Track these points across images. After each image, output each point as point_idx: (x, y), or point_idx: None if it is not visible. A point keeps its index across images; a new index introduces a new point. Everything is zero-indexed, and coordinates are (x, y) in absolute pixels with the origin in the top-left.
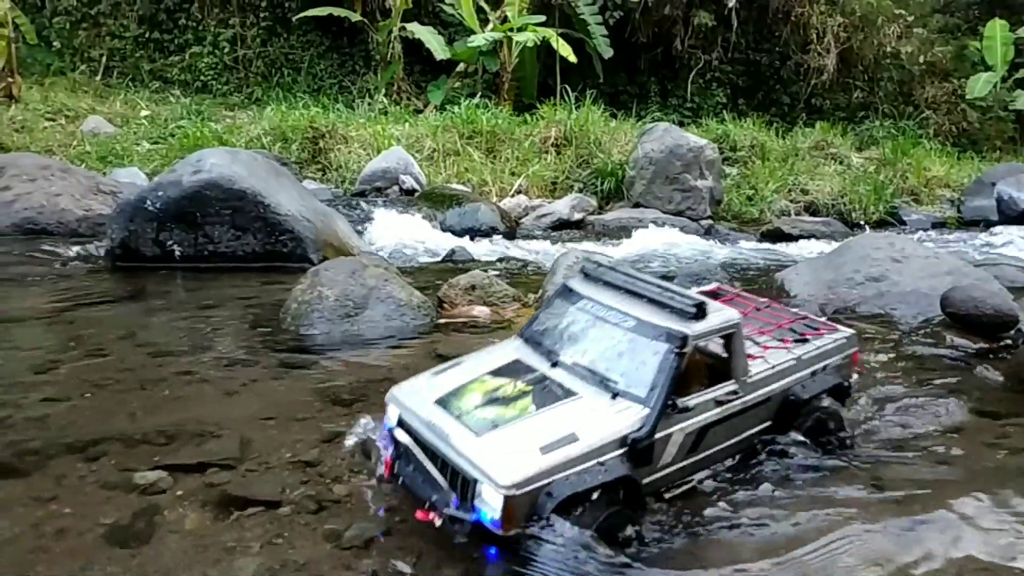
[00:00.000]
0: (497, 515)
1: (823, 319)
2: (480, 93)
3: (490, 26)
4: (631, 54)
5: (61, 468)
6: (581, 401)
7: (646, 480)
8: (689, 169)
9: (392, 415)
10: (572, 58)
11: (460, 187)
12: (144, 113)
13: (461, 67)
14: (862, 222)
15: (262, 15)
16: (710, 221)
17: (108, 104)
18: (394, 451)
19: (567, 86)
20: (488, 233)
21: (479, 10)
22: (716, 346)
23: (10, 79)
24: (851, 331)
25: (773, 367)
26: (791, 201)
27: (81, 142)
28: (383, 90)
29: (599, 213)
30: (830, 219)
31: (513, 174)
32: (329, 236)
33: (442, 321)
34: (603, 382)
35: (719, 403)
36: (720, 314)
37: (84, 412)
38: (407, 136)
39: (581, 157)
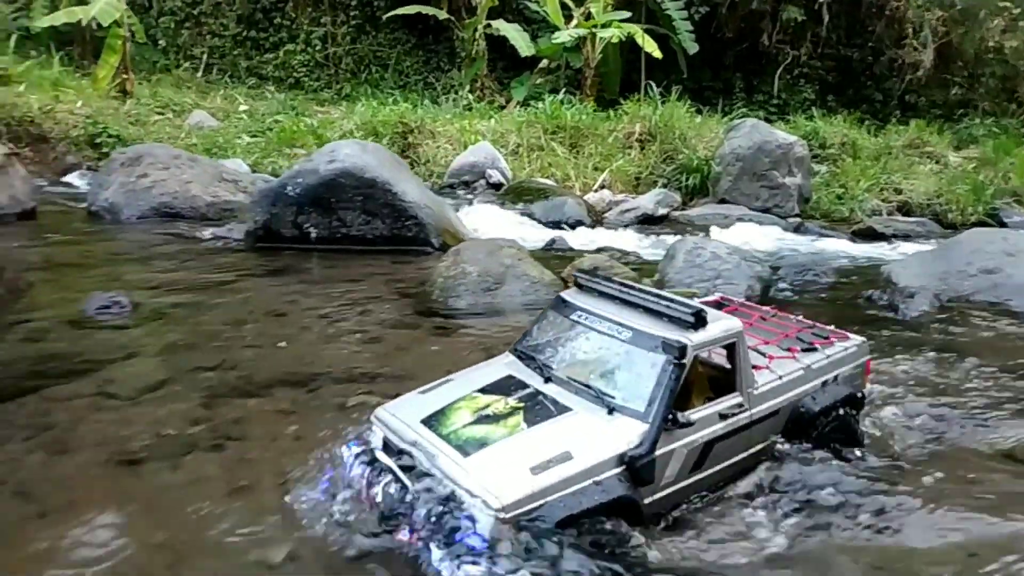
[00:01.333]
0: (487, 535)
1: (831, 327)
2: (563, 89)
3: (574, 22)
4: (716, 49)
5: (289, 395)
6: (575, 417)
7: (648, 500)
8: (777, 166)
9: (377, 437)
10: (657, 54)
11: (546, 181)
12: (242, 108)
13: (544, 63)
14: (959, 223)
15: (352, 13)
16: (798, 219)
17: (209, 99)
18: (369, 474)
19: (651, 82)
20: (574, 226)
21: (563, 6)
22: (718, 357)
23: (124, 76)
24: (862, 339)
25: (780, 378)
26: (883, 200)
27: (188, 135)
28: (467, 86)
29: (683, 209)
30: (925, 219)
31: (596, 169)
32: (444, 223)
33: None
34: (599, 397)
35: (724, 417)
36: (721, 323)
37: (285, 357)
38: (492, 131)
39: (665, 153)
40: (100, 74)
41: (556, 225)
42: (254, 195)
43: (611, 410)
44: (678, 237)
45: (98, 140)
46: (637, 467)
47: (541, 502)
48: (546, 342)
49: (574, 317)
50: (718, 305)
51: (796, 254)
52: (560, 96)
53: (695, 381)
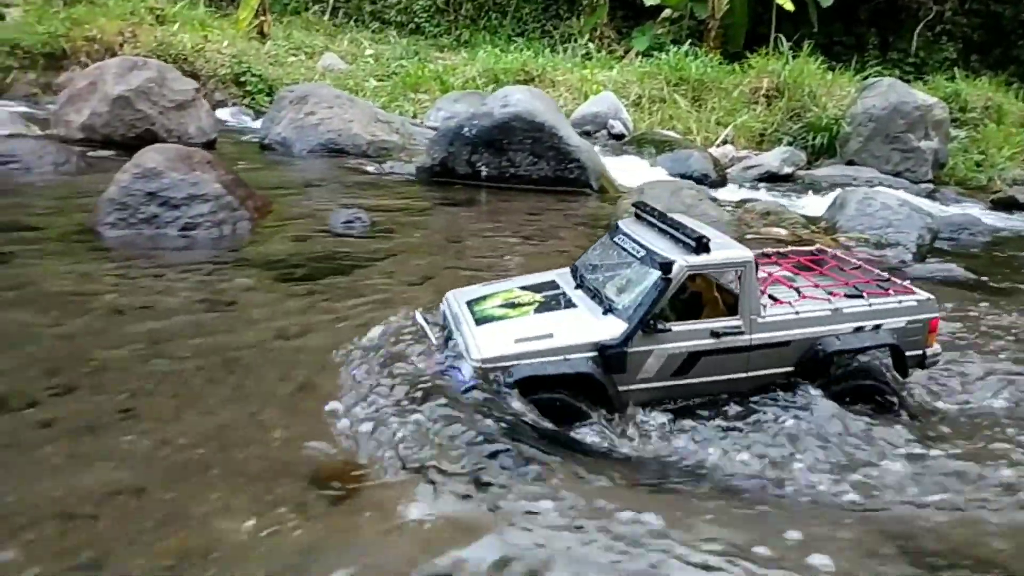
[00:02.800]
0: (467, 378)
1: (904, 282)
2: (686, 40)
3: None
4: (850, 2)
5: None
6: (575, 311)
7: (623, 388)
8: (913, 129)
9: (443, 308)
10: (789, 6)
11: (669, 133)
12: (368, 52)
13: (667, 13)
14: None
15: None
16: (931, 185)
17: (337, 42)
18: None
19: (781, 35)
20: (700, 179)
21: None
22: (727, 282)
23: (263, 17)
24: (928, 296)
25: (797, 313)
26: None
27: (322, 76)
28: (587, 35)
29: (808, 168)
30: None
31: (719, 124)
32: (600, 167)
33: (748, 237)
34: (602, 300)
35: (716, 335)
36: (726, 251)
37: (509, 269)
38: (613, 82)
39: (792, 110)
40: (241, 15)
41: (682, 177)
42: (436, 133)
43: (607, 311)
44: (809, 195)
45: (242, 79)
46: (607, 355)
47: (514, 363)
48: (592, 257)
49: (616, 239)
50: (810, 255)
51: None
52: (684, 48)
53: (708, 301)
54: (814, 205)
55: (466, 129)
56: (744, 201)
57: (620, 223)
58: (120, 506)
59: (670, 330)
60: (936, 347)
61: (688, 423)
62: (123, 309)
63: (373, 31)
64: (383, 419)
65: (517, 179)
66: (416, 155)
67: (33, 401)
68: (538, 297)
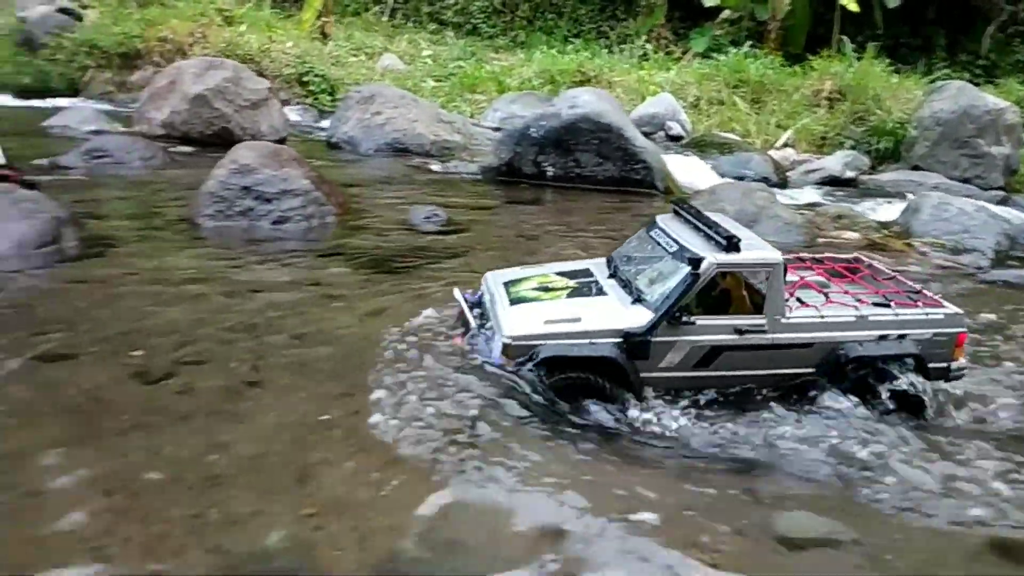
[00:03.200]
0: (498, 354)
1: (936, 296)
2: (745, 42)
3: None
4: (918, 3)
5: None
6: (605, 299)
7: (645, 374)
8: (983, 134)
9: (481, 288)
10: (854, 6)
11: (728, 136)
12: (426, 53)
13: (726, 14)
14: None
15: None
16: (1002, 192)
17: (395, 43)
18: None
19: (844, 37)
20: (760, 182)
21: None
22: (755, 282)
23: (325, 19)
24: (957, 310)
25: (822, 317)
26: None
27: (381, 76)
28: (644, 36)
29: (871, 173)
30: None
31: (779, 126)
32: (664, 169)
33: (820, 240)
34: (634, 291)
35: (739, 331)
36: (756, 252)
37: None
38: (670, 83)
39: (856, 113)
40: (305, 16)
41: (742, 180)
42: (500, 135)
43: (635, 300)
44: (875, 200)
45: (305, 79)
46: (633, 343)
47: (541, 342)
48: (628, 250)
49: (652, 234)
50: (847, 263)
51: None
52: (746, 49)
53: (736, 299)
54: (882, 210)
55: (533, 130)
56: (811, 205)
57: (657, 218)
58: (256, 466)
59: (694, 323)
60: (962, 360)
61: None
62: (232, 292)
63: (431, 32)
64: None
65: (582, 179)
66: (477, 155)
67: (169, 373)
68: (571, 283)
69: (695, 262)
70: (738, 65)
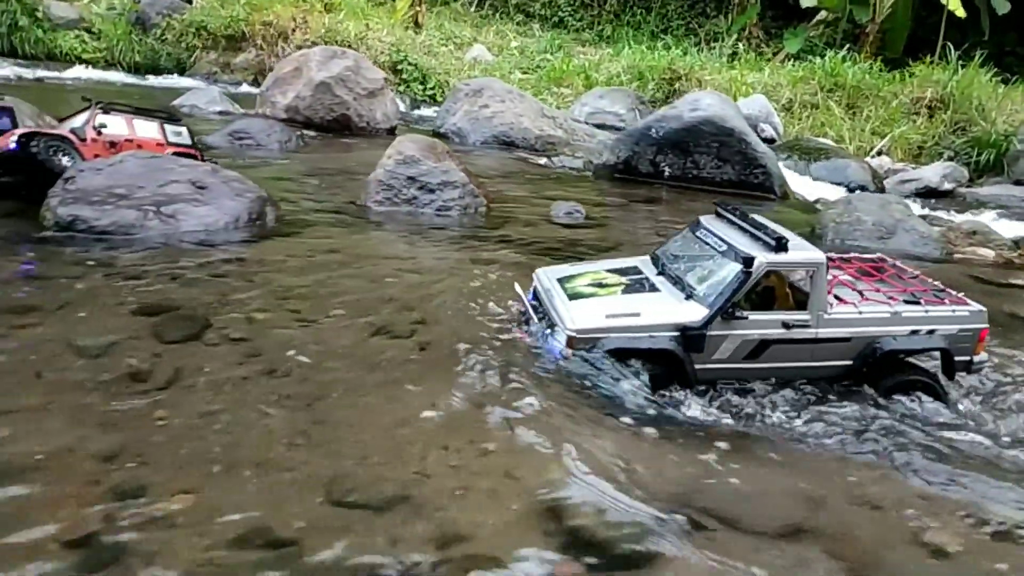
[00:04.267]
0: (561, 347)
1: (959, 294)
2: (844, 45)
3: None
4: None
5: None
6: (659, 295)
7: (700, 366)
8: None
9: (534, 284)
10: (960, 12)
11: (824, 141)
12: (513, 44)
13: (823, 15)
14: None
15: None
16: None
17: (483, 34)
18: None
19: (948, 43)
20: (856, 190)
21: None
22: (800, 280)
23: (417, 8)
24: (980, 308)
25: (860, 313)
26: None
27: (471, 67)
28: (735, 35)
29: (970, 186)
30: None
31: (875, 133)
32: (781, 174)
33: (957, 256)
34: (685, 288)
35: (786, 325)
36: (803, 252)
37: None
38: (763, 84)
39: (957, 123)
40: (399, 5)
41: (837, 187)
42: (619, 135)
43: (688, 296)
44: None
45: (399, 67)
46: (689, 336)
47: (604, 336)
48: (673, 248)
49: (698, 233)
50: (872, 262)
51: None
52: (843, 52)
53: (780, 296)
54: (1005, 225)
55: (653, 130)
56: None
57: (702, 219)
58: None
59: (746, 318)
60: (983, 355)
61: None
62: (419, 270)
63: (517, 23)
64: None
65: (699, 180)
66: (578, 150)
67: (409, 332)
68: (624, 280)
69: (748, 260)
70: (834, 68)
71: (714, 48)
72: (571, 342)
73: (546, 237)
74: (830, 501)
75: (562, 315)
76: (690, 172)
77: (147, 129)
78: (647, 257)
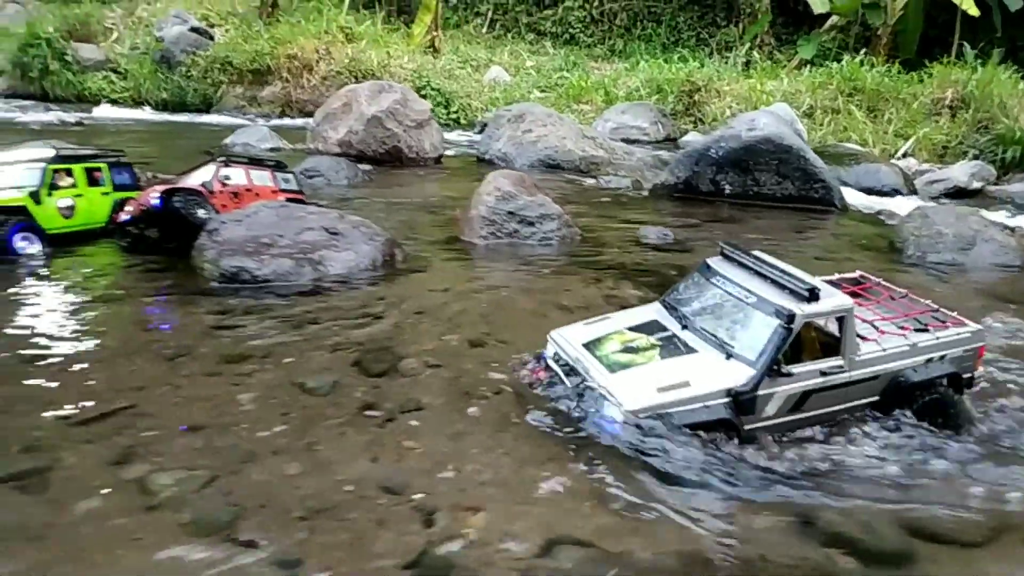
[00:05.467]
0: (616, 422)
1: (954, 314)
2: (860, 49)
3: None
4: None
5: None
6: (699, 357)
7: (748, 427)
8: None
9: (550, 349)
10: (974, 11)
11: (851, 146)
12: (529, 63)
13: (835, 20)
14: None
15: None
16: None
17: (497, 54)
18: (545, 374)
19: (964, 42)
20: (890, 194)
21: None
22: (829, 326)
23: (435, 33)
24: (979, 327)
25: (884, 350)
26: None
27: (491, 88)
28: (747, 44)
29: (997, 184)
30: None
31: (898, 135)
32: (840, 187)
33: None
34: (721, 344)
35: (824, 374)
36: (833, 299)
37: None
38: (781, 92)
39: (980, 122)
40: (415, 31)
41: (870, 192)
42: (678, 155)
43: (728, 356)
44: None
45: (422, 92)
46: (741, 400)
47: (661, 412)
48: (688, 297)
49: (714, 280)
50: (856, 282)
51: None
52: (860, 56)
53: (807, 342)
54: None
55: (712, 150)
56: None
57: (711, 263)
58: None
59: (791, 374)
60: (980, 370)
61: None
62: (553, 300)
63: (529, 43)
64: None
65: (760, 197)
66: (620, 168)
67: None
68: (653, 340)
69: (790, 317)
70: (853, 72)
71: (727, 58)
72: (630, 420)
73: (646, 261)
74: None
75: (609, 391)
76: (751, 189)
77: (262, 178)
78: (658, 306)
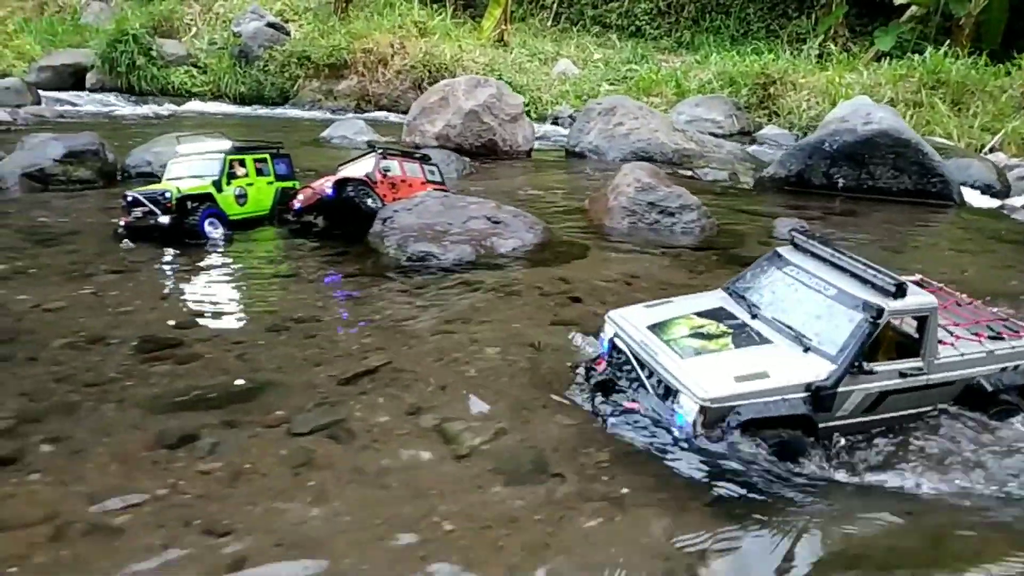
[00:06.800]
0: (690, 419)
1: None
2: (935, 40)
3: None
4: None
5: None
6: (775, 348)
7: (823, 425)
8: None
9: (608, 331)
10: None
11: (939, 140)
12: (596, 56)
13: (913, 10)
14: None
15: None
16: None
17: (564, 47)
18: (608, 357)
19: None
20: (984, 190)
21: None
22: (909, 326)
23: (504, 27)
24: None
25: (962, 355)
26: None
27: (562, 82)
28: (821, 36)
29: None
30: None
31: (984, 129)
32: (957, 182)
33: None
34: (797, 337)
35: (903, 375)
36: (918, 297)
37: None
38: (861, 84)
39: None
40: (485, 25)
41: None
42: (793, 147)
43: (806, 349)
44: None
45: None
46: (821, 396)
47: (739, 403)
48: (757, 286)
49: (787, 271)
50: (918, 285)
51: None
52: (943, 48)
53: (884, 341)
54: None
55: (827, 144)
56: None
57: (783, 252)
58: None
59: (873, 371)
60: None
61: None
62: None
63: (595, 35)
64: None
65: (875, 191)
66: (711, 161)
67: None
68: (724, 327)
69: (878, 311)
70: (937, 64)
71: (800, 50)
72: (705, 412)
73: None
74: None
75: (683, 380)
76: (865, 183)
77: (413, 170)
78: (723, 294)
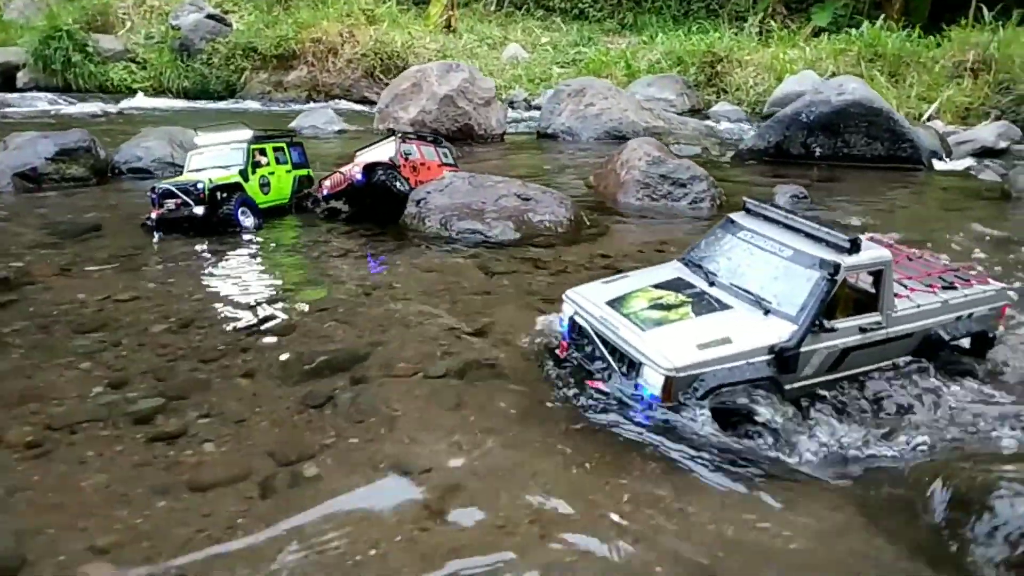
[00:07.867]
0: (657, 391)
1: (976, 272)
2: (867, 13)
3: None
4: None
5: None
6: (735, 313)
7: (788, 386)
8: None
9: (567, 310)
10: None
11: None
12: (544, 40)
13: None
14: None
15: None
16: None
17: (511, 31)
18: (568, 337)
19: (981, 3)
20: (931, 156)
21: None
22: (865, 282)
23: (451, 12)
24: (1002, 285)
25: (919, 307)
26: None
27: (514, 66)
28: (760, 13)
29: (1020, 142)
30: None
31: (921, 99)
32: (926, 147)
33: None
34: (757, 300)
35: (863, 330)
36: (872, 252)
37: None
38: (803, 60)
39: (1001, 83)
40: (432, 11)
41: None
42: (769, 120)
43: (767, 312)
44: None
45: None
46: (784, 357)
47: (704, 370)
48: (713, 254)
49: (741, 236)
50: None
51: None
52: (879, 22)
53: (842, 298)
54: None
55: (803, 115)
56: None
57: (735, 218)
58: None
59: (834, 329)
60: (1001, 328)
61: None
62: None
63: (539, 19)
64: None
65: (850, 158)
66: (680, 137)
67: None
68: (683, 297)
69: (835, 267)
70: (874, 38)
71: (741, 28)
72: (669, 384)
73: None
74: None
75: (645, 350)
76: (841, 151)
77: (430, 153)
78: (678, 264)
